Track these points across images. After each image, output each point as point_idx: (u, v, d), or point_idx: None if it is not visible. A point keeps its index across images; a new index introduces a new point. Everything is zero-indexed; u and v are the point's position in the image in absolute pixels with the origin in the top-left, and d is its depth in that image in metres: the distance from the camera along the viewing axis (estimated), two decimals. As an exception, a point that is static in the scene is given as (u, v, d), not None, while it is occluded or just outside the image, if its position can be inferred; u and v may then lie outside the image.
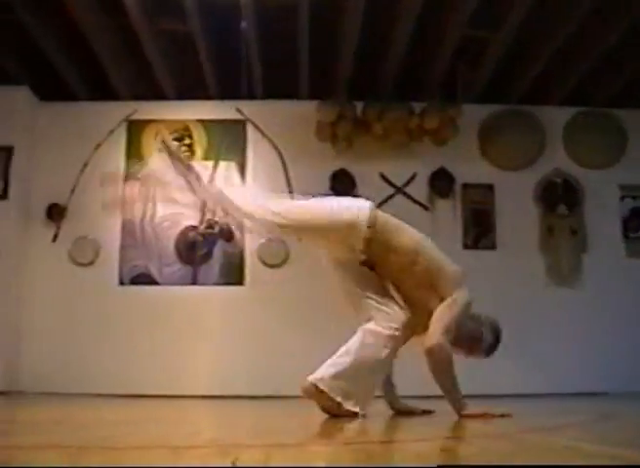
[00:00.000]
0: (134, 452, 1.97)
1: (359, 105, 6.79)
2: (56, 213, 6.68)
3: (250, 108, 6.88)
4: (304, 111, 6.78)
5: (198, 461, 1.74)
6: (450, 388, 3.08)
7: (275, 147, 6.84)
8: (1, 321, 6.41)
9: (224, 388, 6.36)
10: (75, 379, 6.45)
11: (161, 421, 3.55)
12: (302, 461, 1.72)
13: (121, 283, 6.67)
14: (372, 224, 3.11)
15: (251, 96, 6.77)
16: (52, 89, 6.82)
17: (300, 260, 6.68)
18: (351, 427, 2.81)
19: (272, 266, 6.73)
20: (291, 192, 6.72)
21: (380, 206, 6.73)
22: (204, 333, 6.59)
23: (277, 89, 6.82)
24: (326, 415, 3.13)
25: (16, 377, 6.46)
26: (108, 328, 6.59)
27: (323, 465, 1.68)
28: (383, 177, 6.90)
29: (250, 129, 6.86)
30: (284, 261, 6.73)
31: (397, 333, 3.10)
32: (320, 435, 2.63)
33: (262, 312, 6.61)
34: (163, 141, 3.62)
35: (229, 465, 1.60)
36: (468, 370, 6.29)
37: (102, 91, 6.81)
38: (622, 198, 7.02)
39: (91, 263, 6.69)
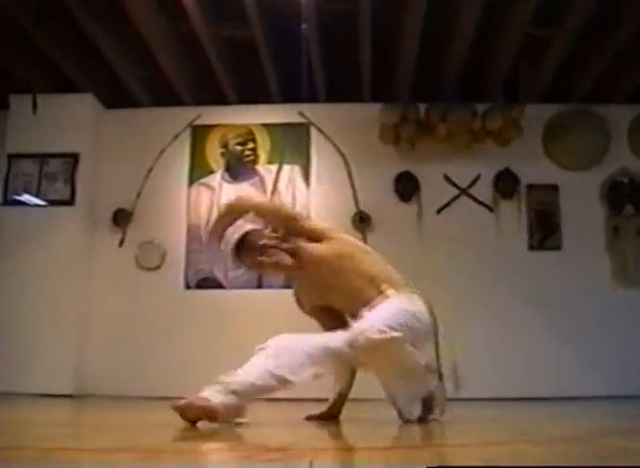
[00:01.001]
0: (207, 455, 2.00)
1: (422, 107, 6.80)
2: (122, 218, 6.75)
3: (313, 112, 6.92)
4: (367, 114, 6.82)
5: (275, 464, 1.73)
6: None
7: (339, 150, 6.86)
8: (70, 325, 6.48)
9: (289, 391, 6.33)
10: (141, 383, 6.48)
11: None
12: (378, 464, 1.70)
13: (187, 287, 6.71)
14: None
15: (313, 99, 6.82)
16: (116, 96, 6.93)
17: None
18: (421, 430, 2.79)
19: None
20: (355, 196, 6.76)
21: (444, 208, 6.82)
22: (269, 337, 6.57)
23: (340, 92, 6.86)
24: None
25: (83, 381, 6.52)
26: (174, 331, 6.62)
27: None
28: (447, 179, 6.90)
29: (313, 132, 6.90)
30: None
31: None
32: (388, 438, 2.60)
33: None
34: None
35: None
36: (532, 373, 6.31)
37: (166, 97, 6.90)
38: (691, 197, 6.96)
39: (157, 268, 6.74)
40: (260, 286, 6.67)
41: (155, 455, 1.94)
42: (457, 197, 6.90)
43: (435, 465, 1.31)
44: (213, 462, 1.86)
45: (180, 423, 2.84)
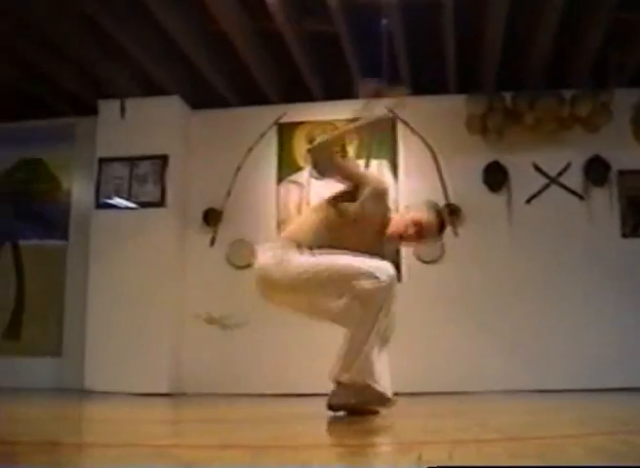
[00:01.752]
0: (310, 451, 1.99)
1: (508, 96, 6.76)
2: (212, 217, 6.82)
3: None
4: (453, 105, 6.80)
5: (382, 459, 1.73)
6: None
7: (426, 143, 6.85)
8: (165, 325, 6.55)
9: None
10: (234, 379, 6.56)
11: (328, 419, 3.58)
12: (483, 459, 1.66)
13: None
14: None
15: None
16: (202, 97, 7.02)
17: (456, 256, 6.67)
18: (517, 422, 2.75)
19: (428, 263, 6.70)
20: (445, 188, 6.73)
21: (534, 197, 6.76)
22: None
23: (424, 84, 6.84)
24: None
25: (179, 380, 6.60)
26: (267, 328, 6.65)
27: (508, 464, 1.59)
28: (537, 168, 6.83)
29: (400, 126, 6.89)
30: (440, 258, 6.69)
31: None
32: (495, 430, 2.57)
33: (420, 309, 6.57)
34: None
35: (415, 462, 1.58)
36: (624, 361, 6.20)
37: (251, 95, 6.96)
38: None
39: (248, 265, 6.76)
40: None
41: (262, 451, 1.96)
42: (547, 186, 6.83)
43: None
44: (330, 459, 1.85)
45: (280, 418, 2.86)
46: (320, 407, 3.12)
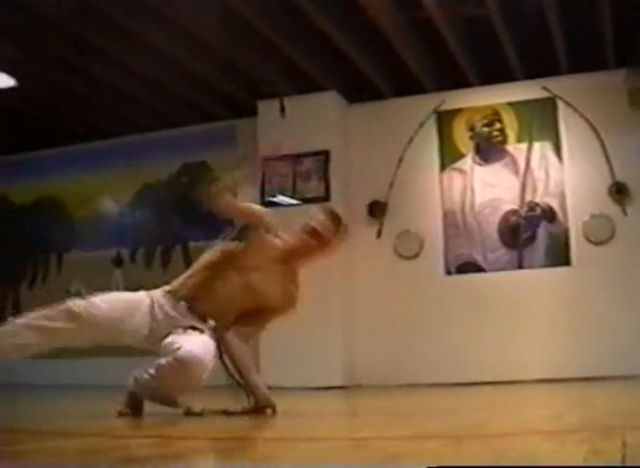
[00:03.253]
0: (509, 438, 2.01)
1: (671, 67, 6.63)
2: (377, 209, 6.95)
3: (557, 85, 6.86)
4: (613, 80, 6.69)
5: (583, 445, 1.71)
6: None
7: (588, 121, 6.77)
8: (337, 318, 6.73)
9: (555, 371, 6.35)
10: (406, 370, 6.67)
11: (512, 407, 3.59)
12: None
13: (447, 272, 6.82)
14: None
15: (556, 71, 6.78)
16: (358, 91, 7.13)
17: (627, 236, 6.59)
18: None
19: (598, 244, 6.66)
20: (610, 167, 6.66)
21: None
22: (532, 317, 6.61)
23: (582, 61, 6.77)
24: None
25: (353, 372, 6.76)
26: (436, 317, 6.77)
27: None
28: None
29: (560, 106, 6.84)
30: (610, 238, 6.64)
31: None
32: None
33: (591, 292, 6.54)
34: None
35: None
36: None
37: (407, 86, 7.03)
38: None
39: (416, 256, 6.89)
40: (520, 266, 6.70)
41: (458, 441, 2.00)
42: None
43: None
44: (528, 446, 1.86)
45: (458, 408, 2.90)
46: (493, 395, 3.16)
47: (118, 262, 7.96)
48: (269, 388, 5.94)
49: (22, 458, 1.82)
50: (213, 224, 7.44)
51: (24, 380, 7.69)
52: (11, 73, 6.71)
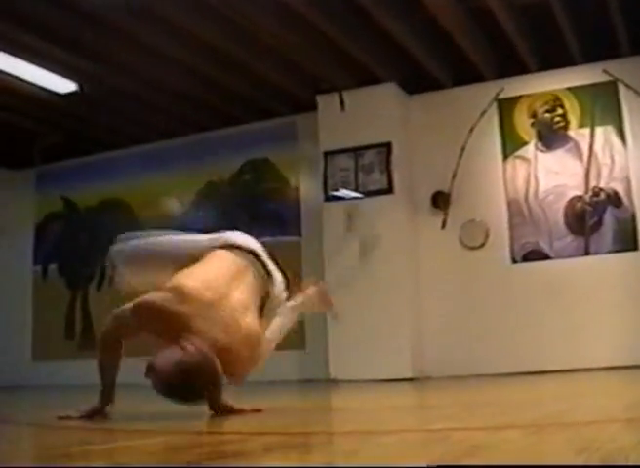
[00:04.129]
0: (591, 427, 2.00)
1: None
2: (441, 200, 6.99)
3: (618, 68, 6.80)
4: (677, 62, 6.64)
5: None
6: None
7: (652, 104, 6.73)
8: (404, 311, 6.79)
9: (624, 359, 6.32)
10: (474, 361, 6.69)
11: (588, 395, 3.60)
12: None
13: (513, 261, 6.84)
14: None
15: (617, 54, 6.74)
16: (417, 81, 7.18)
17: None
18: None
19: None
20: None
21: None
22: (599, 303, 6.59)
23: (644, 42, 6.73)
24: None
25: (422, 363, 6.82)
26: (504, 307, 6.78)
27: None
28: None
29: (622, 89, 6.80)
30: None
31: None
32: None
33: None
34: None
35: None
36: None
37: (466, 74, 7.05)
38: None
39: (482, 245, 6.92)
40: (587, 253, 6.69)
41: (540, 430, 2.01)
42: None
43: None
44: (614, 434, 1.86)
45: (533, 397, 2.90)
46: (566, 383, 3.14)
47: (184, 261, 8.09)
48: (338, 381, 6.03)
49: (102, 459, 1.87)
50: (276, 220, 7.61)
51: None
52: (72, 78, 6.89)
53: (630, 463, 1.36)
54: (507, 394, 4.23)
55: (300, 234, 7.55)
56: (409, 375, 6.64)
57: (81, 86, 7.02)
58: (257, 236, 7.50)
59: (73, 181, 8.86)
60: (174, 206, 8.19)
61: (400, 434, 2.16)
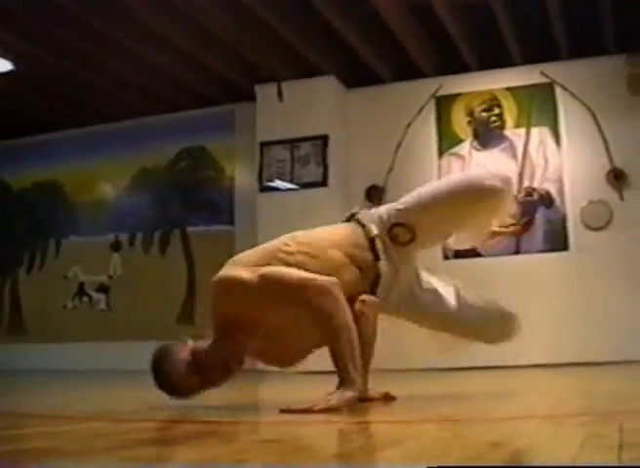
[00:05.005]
0: (508, 422, 2.06)
1: (671, 52, 6.67)
2: (375, 194, 7.01)
3: (555, 70, 6.91)
4: (612, 66, 6.73)
5: (582, 429, 1.74)
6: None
7: (587, 107, 6.82)
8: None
9: (554, 357, 6.42)
10: (404, 355, 6.67)
11: (512, 392, 3.65)
12: None
13: (445, 257, 6.89)
14: None
15: (555, 57, 6.83)
16: (357, 75, 7.20)
17: (625, 222, 6.65)
18: None
19: (596, 229, 6.73)
20: (608, 152, 6.71)
21: None
22: (530, 302, 6.66)
23: (581, 46, 6.82)
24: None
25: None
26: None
27: None
28: None
29: (558, 91, 6.90)
30: (607, 224, 6.70)
31: None
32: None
33: (589, 277, 6.61)
34: None
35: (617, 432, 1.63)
36: None
37: (406, 70, 7.09)
38: None
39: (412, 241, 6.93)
40: (517, 251, 6.77)
41: (457, 424, 2.05)
42: None
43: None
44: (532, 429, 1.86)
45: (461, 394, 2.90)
46: (493, 380, 3.14)
47: (116, 247, 8.03)
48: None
49: (23, 442, 1.87)
50: (210, 209, 7.57)
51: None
52: (7, 57, 6.77)
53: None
54: (434, 389, 4.23)
55: (232, 223, 7.52)
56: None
57: (17, 65, 6.90)
58: (190, 224, 7.65)
59: (7, 163, 8.70)
60: (108, 190, 8.10)
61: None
